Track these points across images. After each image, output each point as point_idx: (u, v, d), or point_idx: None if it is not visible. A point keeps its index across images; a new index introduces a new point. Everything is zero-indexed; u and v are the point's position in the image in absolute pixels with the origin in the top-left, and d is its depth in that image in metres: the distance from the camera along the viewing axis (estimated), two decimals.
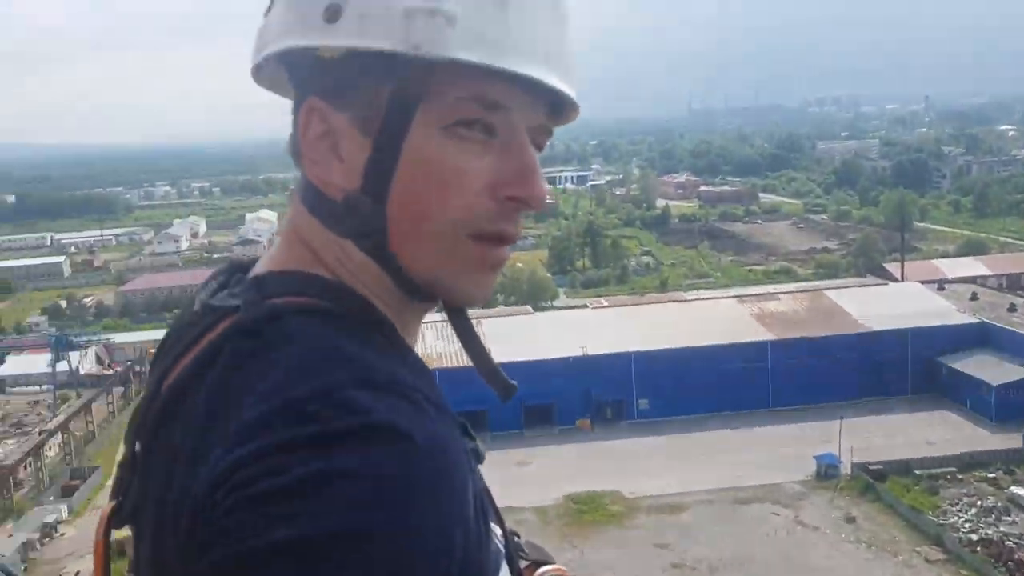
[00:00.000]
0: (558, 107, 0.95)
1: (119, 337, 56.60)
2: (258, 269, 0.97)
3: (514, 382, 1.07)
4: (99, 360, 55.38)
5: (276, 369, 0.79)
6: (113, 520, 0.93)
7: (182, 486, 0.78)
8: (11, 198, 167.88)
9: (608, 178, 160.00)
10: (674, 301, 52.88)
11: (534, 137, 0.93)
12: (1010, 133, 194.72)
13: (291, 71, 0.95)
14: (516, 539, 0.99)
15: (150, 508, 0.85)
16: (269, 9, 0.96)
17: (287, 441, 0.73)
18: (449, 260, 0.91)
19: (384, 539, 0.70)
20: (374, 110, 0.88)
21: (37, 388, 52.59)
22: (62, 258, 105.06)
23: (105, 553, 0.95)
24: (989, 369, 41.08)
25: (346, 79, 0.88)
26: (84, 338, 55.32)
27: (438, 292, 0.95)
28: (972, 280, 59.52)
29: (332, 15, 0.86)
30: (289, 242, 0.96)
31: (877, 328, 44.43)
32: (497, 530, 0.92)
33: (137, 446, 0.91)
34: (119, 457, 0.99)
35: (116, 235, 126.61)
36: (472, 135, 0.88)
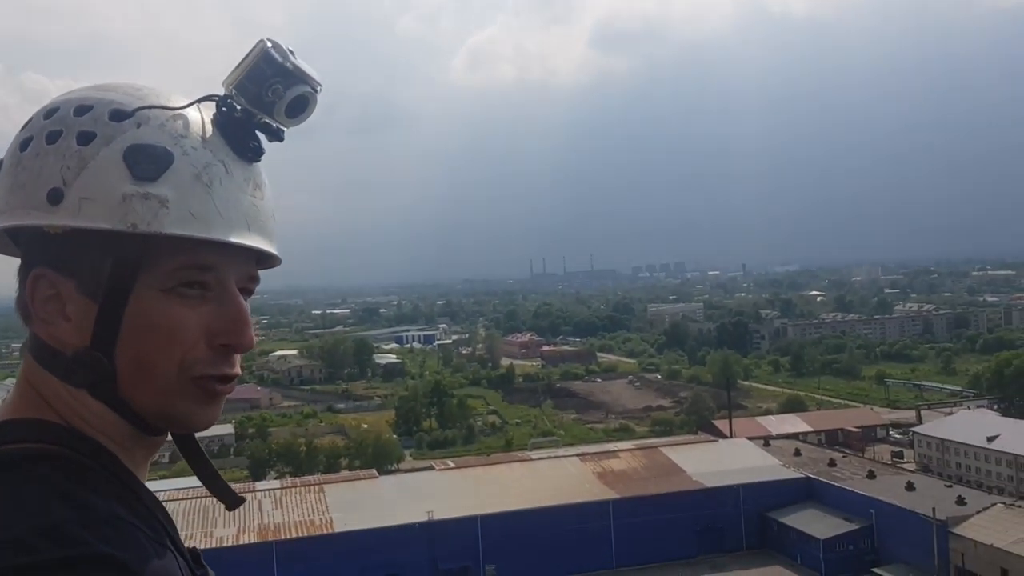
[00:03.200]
0: (264, 258, 1.14)
1: None
2: None
3: (243, 496, 1.24)
4: None
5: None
6: None
7: None
8: None
9: (455, 337, 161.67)
10: (519, 461, 52.93)
11: (244, 285, 1.11)
12: (819, 298, 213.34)
13: (16, 240, 1.10)
14: None
15: None
16: None
17: (4, 569, 0.78)
18: (176, 400, 1.05)
19: None
20: (98, 277, 1.02)
21: None
22: None
23: None
24: (816, 523, 43.08)
25: (70, 252, 1.02)
26: None
27: (167, 424, 1.09)
28: (795, 436, 63.16)
29: (55, 198, 1.00)
30: (22, 392, 1.07)
31: (711, 485, 45.89)
32: None
33: None
34: None
35: None
36: (189, 292, 1.04)
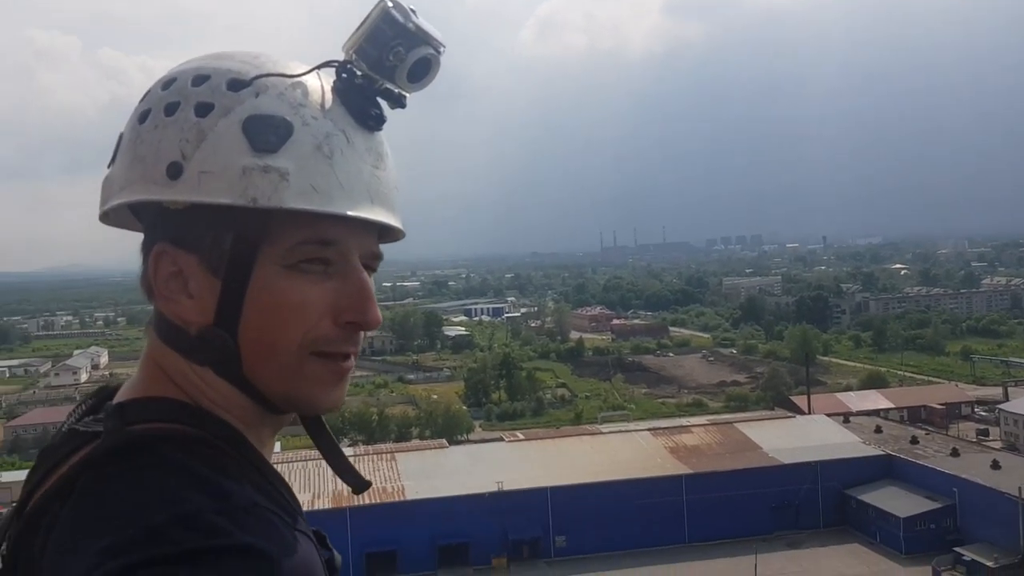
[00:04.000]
0: (386, 232, 1.09)
1: (6, 476, 52.70)
2: (120, 396, 1.05)
3: (369, 480, 1.22)
4: None
5: (135, 495, 0.85)
6: None
7: None
8: None
9: (523, 310, 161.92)
10: (589, 434, 52.71)
11: (367, 262, 1.05)
12: (903, 272, 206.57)
13: (139, 216, 1.07)
14: None
15: None
16: (113, 161, 1.06)
17: (148, 559, 0.77)
18: (299, 378, 1.01)
19: None
20: (220, 252, 0.99)
21: None
22: None
23: None
24: (896, 501, 41.83)
25: (191, 227, 1.00)
26: None
27: (292, 406, 1.05)
28: (875, 413, 61.30)
29: (174, 172, 0.97)
30: (148, 370, 1.05)
31: (788, 461, 44.98)
32: None
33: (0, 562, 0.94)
34: None
35: (11, 367, 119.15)
36: (312, 268, 1.00)
